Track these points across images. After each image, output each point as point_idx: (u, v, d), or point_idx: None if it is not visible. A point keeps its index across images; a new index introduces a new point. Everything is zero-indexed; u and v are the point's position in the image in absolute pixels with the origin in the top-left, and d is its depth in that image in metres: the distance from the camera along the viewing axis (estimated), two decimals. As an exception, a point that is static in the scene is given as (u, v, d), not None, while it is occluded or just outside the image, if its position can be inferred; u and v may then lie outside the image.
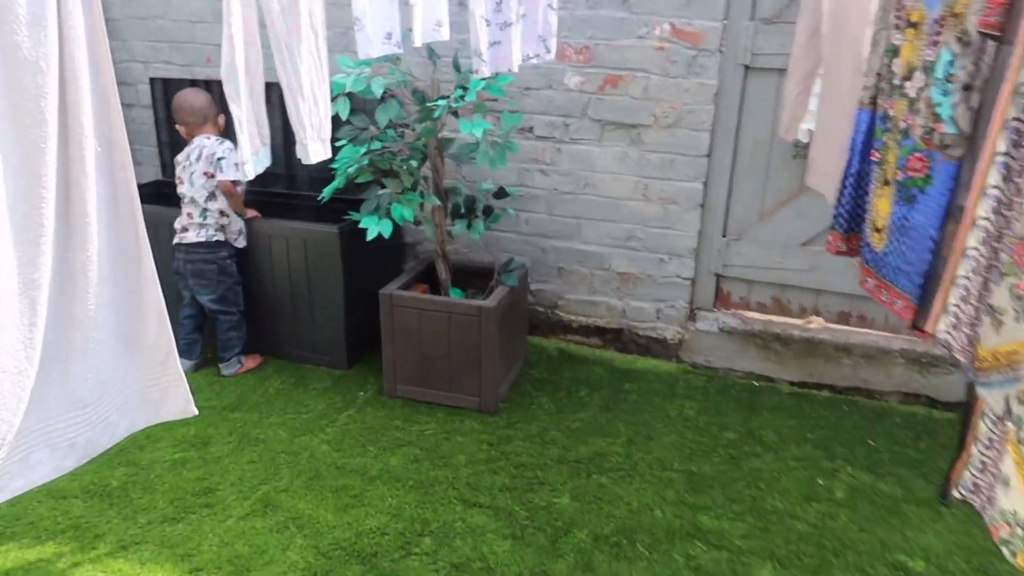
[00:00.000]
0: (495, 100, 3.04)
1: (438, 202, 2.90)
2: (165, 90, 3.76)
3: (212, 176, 3.02)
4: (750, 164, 3.09)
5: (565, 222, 3.34)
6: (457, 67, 2.79)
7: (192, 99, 3.09)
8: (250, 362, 3.27)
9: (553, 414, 2.94)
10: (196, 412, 1.71)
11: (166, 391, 1.72)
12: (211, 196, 3.04)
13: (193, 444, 2.70)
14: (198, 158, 3.03)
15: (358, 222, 2.87)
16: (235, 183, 2.99)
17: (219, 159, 3.00)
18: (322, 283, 3.16)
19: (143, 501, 2.39)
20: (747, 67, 2.97)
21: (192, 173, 3.04)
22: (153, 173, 4.03)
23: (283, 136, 3.44)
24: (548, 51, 2.18)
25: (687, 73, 3.00)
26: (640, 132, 3.12)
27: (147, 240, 1.62)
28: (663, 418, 2.93)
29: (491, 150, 2.84)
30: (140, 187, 4.06)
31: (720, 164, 3.11)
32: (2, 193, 1.40)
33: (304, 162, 1.89)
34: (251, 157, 1.77)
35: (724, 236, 3.20)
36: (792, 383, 3.18)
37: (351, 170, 2.75)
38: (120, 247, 1.60)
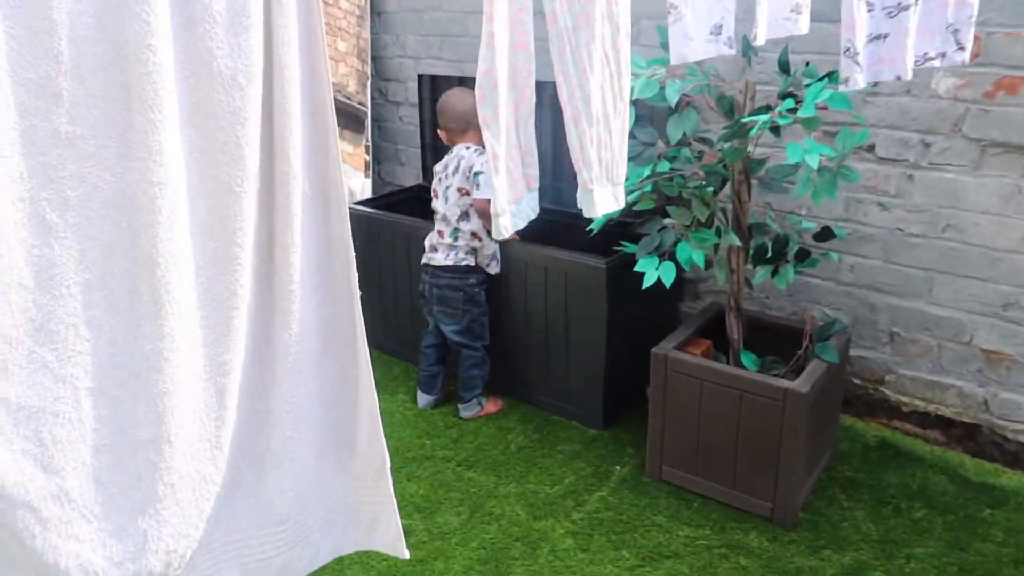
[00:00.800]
0: (824, 109, 2.34)
1: (738, 242, 2.29)
2: (432, 88, 3.54)
3: (467, 193, 2.68)
4: None
5: (908, 274, 2.55)
6: (785, 67, 2.15)
7: (456, 102, 2.78)
8: (491, 406, 2.92)
9: (875, 542, 2.21)
10: (407, 555, 1.30)
11: (378, 514, 1.33)
12: (464, 215, 2.71)
13: (420, 508, 2.38)
14: (455, 170, 2.71)
15: (631, 255, 2.37)
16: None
17: (476, 174, 2.65)
18: (582, 323, 2.70)
19: (357, 580, 2.10)
20: None
21: (447, 187, 2.73)
22: (415, 177, 3.86)
23: (552, 144, 3.05)
24: (960, 47, 1.48)
25: None
26: (1044, 158, 2.25)
27: (361, 315, 1.23)
28: (1049, 577, 2.07)
29: (817, 177, 2.16)
30: (400, 192, 3.95)
31: None
32: (187, 251, 1.07)
33: (586, 214, 1.42)
34: (509, 207, 1.32)
35: None
36: None
37: (630, 197, 2.24)
38: (332, 324, 1.23)
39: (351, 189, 3.79)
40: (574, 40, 1.36)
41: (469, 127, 2.73)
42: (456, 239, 2.72)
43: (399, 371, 3.25)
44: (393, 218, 3.18)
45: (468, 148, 2.72)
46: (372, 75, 3.78)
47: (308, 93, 1.10)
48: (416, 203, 3.48)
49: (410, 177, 3.91)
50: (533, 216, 1.45)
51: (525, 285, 2.80)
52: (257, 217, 1.12)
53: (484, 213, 2.65)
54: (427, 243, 2.83)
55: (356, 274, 1.21)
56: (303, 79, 1.09)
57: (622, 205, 1.42)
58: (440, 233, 2.76)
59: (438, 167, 2.82)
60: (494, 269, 2.80)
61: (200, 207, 1.07)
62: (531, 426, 2.83)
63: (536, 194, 1.48)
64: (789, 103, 1.94)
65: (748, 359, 2.43)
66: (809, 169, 2.12)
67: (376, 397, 1.25)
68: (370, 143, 3.78)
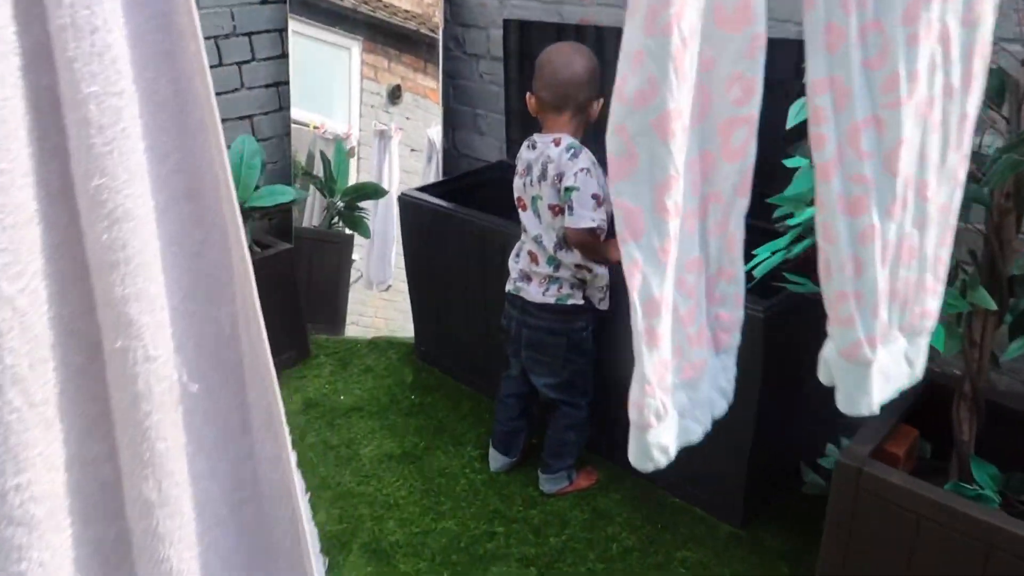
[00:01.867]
0: None
1: (992, 304, 1.51)
2: (521, 38, 2.82)
3: (561, 212, 1.96)
4: None
5: None
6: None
7: (560, 64, 1.96)
8: (583, 480, 2.26)
9: None
10: None
11: None
12: (563, 243, 1.99)
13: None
14: (541, 176, 1.97)
15: (799, 296, 1.65)
16: (594, 231, 1.90)
17: (567, 190, 1.91)
18: (721, 386, 1.99)
19: None
20: None
21: (535, 199, 2.00)
22: (497, 151, 3.17)
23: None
24: None
25: None
26: None
27: (307, 512, 0.58)
28: None
29: None
30: (478, 172, 3.16)
31: None
32: None
33: (844, 409, 0.76)
34: (670, 405, 0.68)
35: None
36: None
37: (805, 242, 1.49)
38: (264, 543, 0.58)
39: (430, 139, 3.08)
40: (883, 42, 0.64)
41: (567, 106, 1.97)
42: (557, 269, 2.02)
43: (469, 408, 2.63)
44: (467, 213, 2.51)
45: (559, 144, 1.96)
46: (446, 20, 3.08)
47: (173, 149, 0.43)
48: (498, 187, 2.78)
49: (492, 151, 3.22)
50: (724, 407, 0.80)
51: (642, 323, 2.10)
52: (68, 458, 0.47)
53: (585, 245, 1.93)
54: (514, 265, 2.13)
55: (292, 456, 0.56)
56: (152, 119, 0.41)
57: (920, 375, 0.74)
58: (532, 256, 2.05)
59: (519, 163, 2.08)
60: (605, 305, 2.08)
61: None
62: (639, 514, 2.16)
63: (733, 354, 0.80)
64: None
65: (983, 473, 1.67)
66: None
67: None
68: (440, 107, 3.10)
